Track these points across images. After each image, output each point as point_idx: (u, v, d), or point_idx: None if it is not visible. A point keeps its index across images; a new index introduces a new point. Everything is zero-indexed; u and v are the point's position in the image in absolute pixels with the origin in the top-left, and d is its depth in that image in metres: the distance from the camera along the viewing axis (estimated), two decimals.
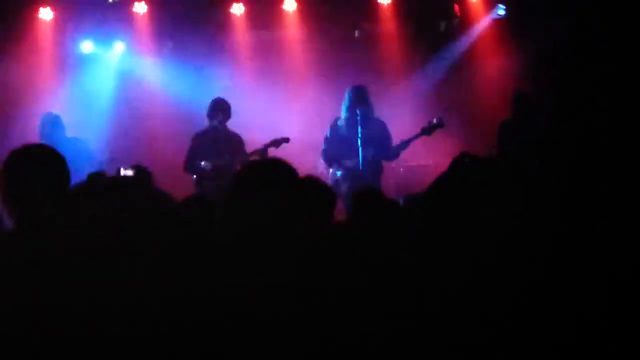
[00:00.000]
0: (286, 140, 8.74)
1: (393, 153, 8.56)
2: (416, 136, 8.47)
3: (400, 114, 9.84)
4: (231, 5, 10.90)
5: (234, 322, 2.46)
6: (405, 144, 8.47)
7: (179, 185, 7.82)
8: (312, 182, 4.24)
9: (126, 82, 11.10)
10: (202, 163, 8.73)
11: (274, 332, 2.44)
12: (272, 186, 2.87)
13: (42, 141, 8.27)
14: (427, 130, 8.45)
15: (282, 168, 3.00)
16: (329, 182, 8.18)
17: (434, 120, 8.46)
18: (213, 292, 2.55)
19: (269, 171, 2.97)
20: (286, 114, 10.82)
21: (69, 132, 8.88)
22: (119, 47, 11.08)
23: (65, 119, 9.04)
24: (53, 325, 2.45)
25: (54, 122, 8.72)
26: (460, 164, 2.12)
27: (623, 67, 8.99)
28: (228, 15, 10.98)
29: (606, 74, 9.09)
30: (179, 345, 2.44)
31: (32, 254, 2.61)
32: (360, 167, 8.31)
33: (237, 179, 2.99)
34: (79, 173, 3.25)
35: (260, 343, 2.45)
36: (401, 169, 10.17)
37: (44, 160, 3.25)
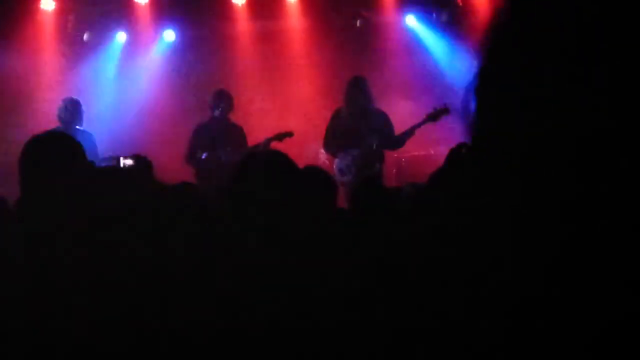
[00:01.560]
0: (290, 134, 8.75)
1: (397, 141, 8.51)
2: (421, 123, 8.37)
3: (402, 103, 9.84)
4: None
5: (235, 310, 2.47)
6: (410, 131, 8.39)
7: (181, 175, 7.83)
8: (314, 172, 4.24)
9: (128, 72, 11.11)
10: (204, 155, 8.73)
11: (273, 320, 2.45)
12: (270, 176, 2.87)
13: (61, 125, 8.31)
14: (433, 117, 8.32)
15: (280, 159, 3.00)
16: (332, 172, 8.19)
17: (440, 106, 8.34)
18: (213, 281, 2.55)
19: (267, 162, 2.98)
20: (288, 105, 10.83)
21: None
22: (120, 37, 11.09)
23: None
24: (48, 301, 2.48)
25: (73, 108, 8.64)
26: (457, 155, 2.13)
27: (624, 65, 8.96)
28: (229, 5, 10.97)
29: (607, 71, 9.07)
30: (178, 333, 2.45)
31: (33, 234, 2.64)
32: (362, 157, 8.32)
33: (236, 170, 3.00)
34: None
35: (261, 332, 2.46)
36: (403, 159, 10.16)
37: (61, 147, 3.30)
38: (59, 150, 3.25)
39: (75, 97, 8.90)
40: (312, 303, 2.48)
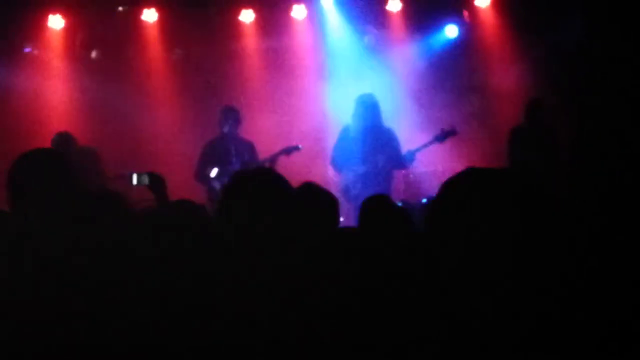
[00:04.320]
0: (297, 148, 8.75)
1: (405, 161, 8.53)
2: (429, 143, 8.43)
3: (410, 121, 9.83)
4: (240, 12, 10.92)
5: (233, 331, 2.44)
6: (417, 151, 8.42)
7: (191, 192, 7.83)
8: (311, 189, 4.22)
9: (136, 89, 11.12)
10: (213, 172, 8.72)
11: (274, 340, 2.42)
12: (260, 196, 2.83)
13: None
14: (440, 138, 8.41)
15: (269, 177, 2.96)
16: (339, 188, 8.18)
17: (447, 128, 8.42)
18: (210, 304, 2.52)
19: (256, 181, 2.93)
20: (296, 121, 10.83)
21: (81, 141, 8.86)
22: (130, 54, 11.12)
23: (74, 127, 9.07)
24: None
25: (63, 142, 8.60)
26: (464, 178, 2.10)
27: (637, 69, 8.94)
28: (237, 23, 11.01)
29: (622, 76, 9.05)
30: (177, 348, 2.42)
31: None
32: (370, 174, 8.31)
33: (225, 190, 2.95)
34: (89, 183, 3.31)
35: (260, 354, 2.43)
36: (411, 175, 10.15)
37: (48, 164, 3.33)
38: (46, 167, 3.28)
39: (62, 132, 8.76)
40: (314, 325, 2.44)
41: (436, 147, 8.72)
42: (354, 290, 2.53)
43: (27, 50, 10.58)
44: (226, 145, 8.81)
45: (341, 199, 5.36)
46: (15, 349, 2.49)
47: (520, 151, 8.16)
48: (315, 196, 4.09)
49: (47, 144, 8.53)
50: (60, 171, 3.33)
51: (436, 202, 2.09)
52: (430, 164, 9.83)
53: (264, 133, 10.10)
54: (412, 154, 8.44)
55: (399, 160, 8.50)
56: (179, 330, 2.44)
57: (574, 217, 2.33)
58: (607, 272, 2.05)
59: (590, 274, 2.03)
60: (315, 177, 7.82)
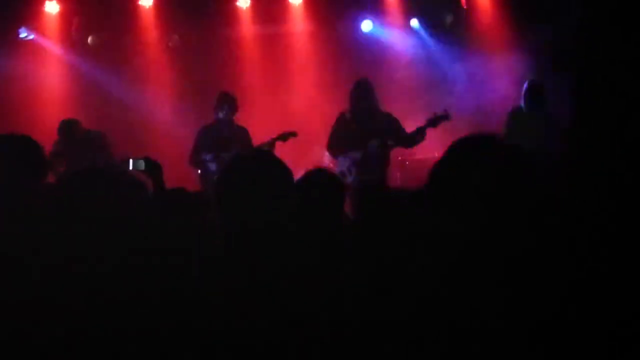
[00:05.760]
0: (294, 134, 8.72)
1: (408, 139, 8.43)
2: (423, 127, 8.36)
3: (406, 107, 9.82)
4: None
5: (233, 320, 2.42)
6: (419, 132, 8.33)
7: (185, 178, 7.83)
8: (320, 174, 4.20)
9: (132, 74, 11.11)
10: (208, 156, 8.72)
11: (275, 328, 2.41)
12: (260, 180, 2.75)
13: (60, 143, 8.37)
14: (433, 122, 8.33)
15: (271, 161, 2.87)
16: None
17: (440, 112, 8.35)
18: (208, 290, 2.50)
19: (256, 165, 2.84)
20: (292, 108, 10.82)
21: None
22: (128, 40, 11.09)
23: (70, 112, 9.07)
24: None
25: (68, 128, 8.65)
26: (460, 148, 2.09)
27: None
28: (234, 9, 10.98)
29: (622, 66, 9.02)
30: (170, 342, 2.40)
31: None
32: (364, 160, 8.28)
33: (225, 174, 2.86)
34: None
35: (263, 341, 2.41)
36: (407, 162, 10.15)
37: (19, 149, 3.38)
38: (17, 151, 3.33)
39: (67, 119, 8.83)
40: (314, 325, 2.41)
41: (432, 134, 8.67)
42: (353, 287, 2.51)
43: (22, 34, 10.54)
44: (221, 131, 8.79)
45: None
46: (14, 350, 2.48)
47: (518, 135, 8.13)
48: (323, 182, 4.07)
49: (44, 128, 8.54)
50: (31, 156, 3.40)
51: (441, 164, 2.06)
52: (426, 151, 9.82)
53: (260, 120, 10.09)
54: (418, 134, 8.35)
55: (404, 139, 8.41)
56: (177, 330, 2.42)
57: (572, 205, 2.33)
58: (605, 260, 2.05)
59: (588, 270, 2.02)
60: (312, 163, 7.82)
